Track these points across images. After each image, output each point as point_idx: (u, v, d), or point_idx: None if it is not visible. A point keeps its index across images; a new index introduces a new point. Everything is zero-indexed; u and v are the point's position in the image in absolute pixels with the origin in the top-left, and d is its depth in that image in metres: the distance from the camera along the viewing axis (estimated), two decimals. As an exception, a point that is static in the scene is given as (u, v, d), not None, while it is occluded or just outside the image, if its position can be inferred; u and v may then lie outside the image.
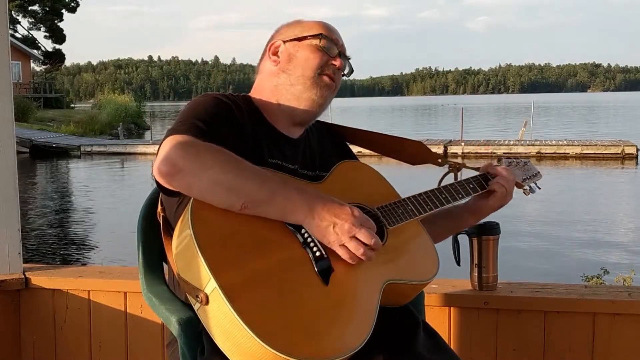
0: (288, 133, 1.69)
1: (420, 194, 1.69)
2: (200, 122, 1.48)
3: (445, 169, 1.86)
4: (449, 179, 1.82)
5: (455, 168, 1.85)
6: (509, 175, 1.78)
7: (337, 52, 1.67)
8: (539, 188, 1.94)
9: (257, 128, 1.62)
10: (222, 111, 1.56)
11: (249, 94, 1.72)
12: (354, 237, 1.40)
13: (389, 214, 1.60)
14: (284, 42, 1.68)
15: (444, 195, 1.72)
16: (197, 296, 1.34)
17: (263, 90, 1.69)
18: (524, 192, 1.90)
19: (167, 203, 1.58)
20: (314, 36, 1.66)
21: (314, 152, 1.74)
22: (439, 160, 1.86)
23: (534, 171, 1.96)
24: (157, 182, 1.45)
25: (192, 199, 1.40)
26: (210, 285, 1.30)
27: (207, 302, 1.32)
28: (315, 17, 1.83)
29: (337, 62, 1.66)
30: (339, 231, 1.39)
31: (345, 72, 1.72)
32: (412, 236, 1.64)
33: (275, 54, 1.68)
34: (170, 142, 1.40)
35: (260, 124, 1.64)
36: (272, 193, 1.40)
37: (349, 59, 1.72)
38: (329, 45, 1.66)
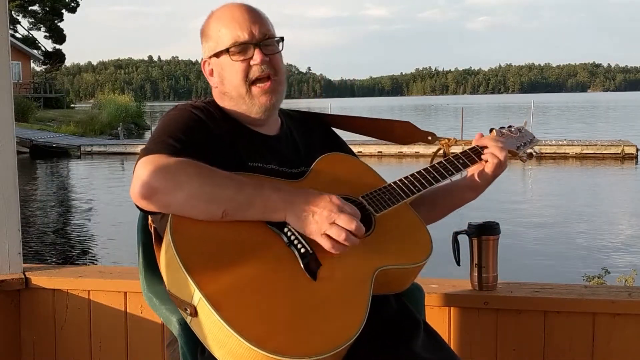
0: (265, 131, 1.68)
1: (407, 177, 1.66)
2: (172, 139, 1.48)
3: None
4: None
5: (447, 145, 1.81)
6: (498, 144, 1.72)
7: (253, 48, 1.60)
8: (536, 152, 1.90)
9: (233, 133, 1.62)
10: (194, 124, 1.56)
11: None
12: (334, 224, 1.39)
13: (375, 201, 1.59)
14: (209, 58, 1.66)
15: (432, 175, 1.68)
16: (185, 309, 1.34)
17: (220, 103, 1.68)
18: (520, 160, 1.85)
19: (154, 215, 1.57)
20: (224, 51, 1.61)
21: (297, 146, 1.72)
22: (429, 138, 1.83)
23: (529, 137, 1.90)
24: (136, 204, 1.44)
25: (170, 214, 1.40)
26: (195, 296, 1.31)
27: (195, 314, 1.33)
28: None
29: (256, 60, 1.60)
30: (318, 219, 1.40)
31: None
32: (402, 220, 1.62)
33: (212, 74, 1.67)
34: (143, 163, 1.41)
35: (235, 128, 1.64)
36: (250, 196, 1.41)
37: (269, 36, 1.63)
38: (242, 48, 1.60)
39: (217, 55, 1.63)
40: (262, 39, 1.62)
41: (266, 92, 1.63)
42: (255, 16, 1.63)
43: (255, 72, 1.61)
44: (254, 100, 1.63)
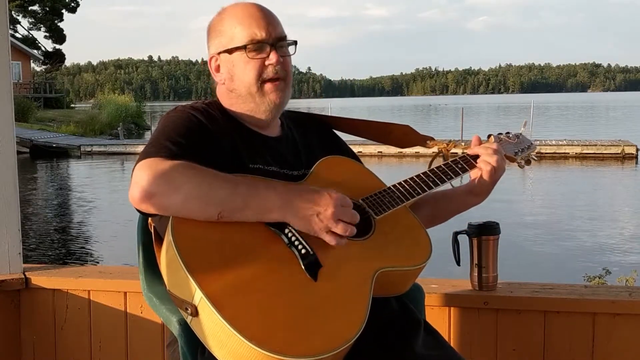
0: (266, 132, 1.68)
1: (406, 180, 1.67)
2: (170, 142, 1.48)
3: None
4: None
5: (446, 149, 1.81)
6: (489, 150, 1.72)
7: (269, 49, 1.60)
8: (535, 159, 1.91)
9: (234, 134, 1.61)
10: (193, 126, 1.55)
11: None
12: (340, 220, 1.42)
13: (375, 204, 1.59)
14: (218, 54, 1.64)
15: (431, 179, 1.69)
16: (186, 309, 1.34)
17: (224, 101, 1.68)
18: (518, 165, 1.86)
19: (154, 216, 1.57)
20: (239, 48, 1.60)
21: (298, 148, 1.72)
22: (428, 142, 1.83)
23: (527, 143, 1.90)
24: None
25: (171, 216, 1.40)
26: (196, 296, 1.31)
27: (196, 314, 1.33)
28: (285, 14, 1.74)
29: (272, 60, 1.60)
30: (323, 218, 1.41)
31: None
32: (402, 223, 1.62)
33: (218, 70, 1.66)
34: (140, 167, 1.42)
35: (236, 129, 1.63)
36: (246, 197, 1.41)
37: (284, 38, 1.64)
38: (259, 47, 1.60)
39: (230, 51, 1.62)
40: (278, 40, 1.62)
41: (277, 89, 1.63)
42: (271, 17, 1.63)
43: (269, 73, 1.61)
44: (264, 98, 1.62)
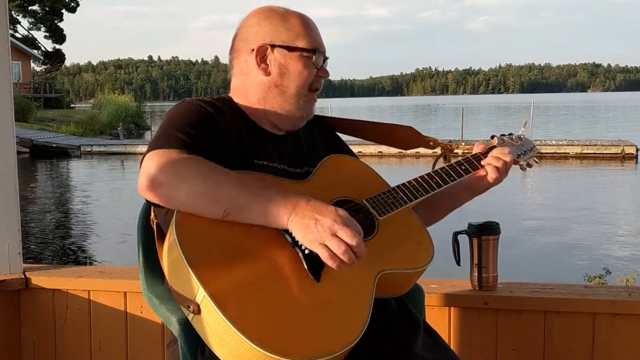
0: (273, 130, 1.68)
1: (410, 181, 1.67)
2: (179, 133, 1.48)
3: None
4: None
5: (448, 150, 1.82)
6: (501, 154, 1.74)
7: (323, 62, 1.66)
8: (536, 162, 1.92)
9: (241, 129, 1.61)
10: (201, 118, 1.55)
11: (230, 95, 1.70)
12: (335, 236, 1.33)
13: (378, 205, 1.59)
14: (272, 47, 1.62)
15: (435, 180, 1.69)
16: (188, 306, 1.34)
17: (247, 96, 1.66)
18: (520, 168, 1.87)
19: (158, 210, 1.57)
20: (307, 50, 1.62)
21: (302, 147, 1.72)
22: (431, 144, 1.84)
23: (529, 145, 1.91)
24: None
25: (175, 211, 1.40)
26: (199, 294, 1.30)
27: (198, 312, 1.32)
28: (308, 14, 1.81)
29: (325, 74, 1.67)
30: (320, 228, 1.33)
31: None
32: (404, 225, 1.62)
33: (264, 60, 1.63)
34: (149, 157, 1.42)
35: (243, 124, 1.63)
36: (253, 198, 1.39)
37: (328, 58, 1.70)
38: (319, 57, 1.64)
39: (290, 49, 1.62)
40: (326, 58, 1.68)
41: (314, 102, 1.69)
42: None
43: (317, 84, 1.66)
44: (306, 105, 1.65)
